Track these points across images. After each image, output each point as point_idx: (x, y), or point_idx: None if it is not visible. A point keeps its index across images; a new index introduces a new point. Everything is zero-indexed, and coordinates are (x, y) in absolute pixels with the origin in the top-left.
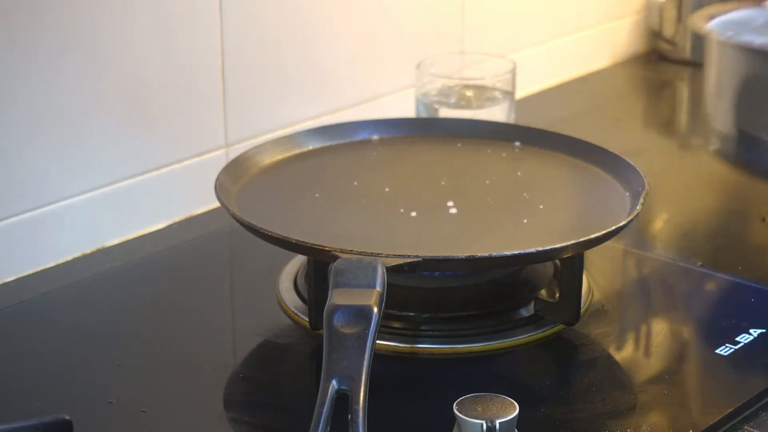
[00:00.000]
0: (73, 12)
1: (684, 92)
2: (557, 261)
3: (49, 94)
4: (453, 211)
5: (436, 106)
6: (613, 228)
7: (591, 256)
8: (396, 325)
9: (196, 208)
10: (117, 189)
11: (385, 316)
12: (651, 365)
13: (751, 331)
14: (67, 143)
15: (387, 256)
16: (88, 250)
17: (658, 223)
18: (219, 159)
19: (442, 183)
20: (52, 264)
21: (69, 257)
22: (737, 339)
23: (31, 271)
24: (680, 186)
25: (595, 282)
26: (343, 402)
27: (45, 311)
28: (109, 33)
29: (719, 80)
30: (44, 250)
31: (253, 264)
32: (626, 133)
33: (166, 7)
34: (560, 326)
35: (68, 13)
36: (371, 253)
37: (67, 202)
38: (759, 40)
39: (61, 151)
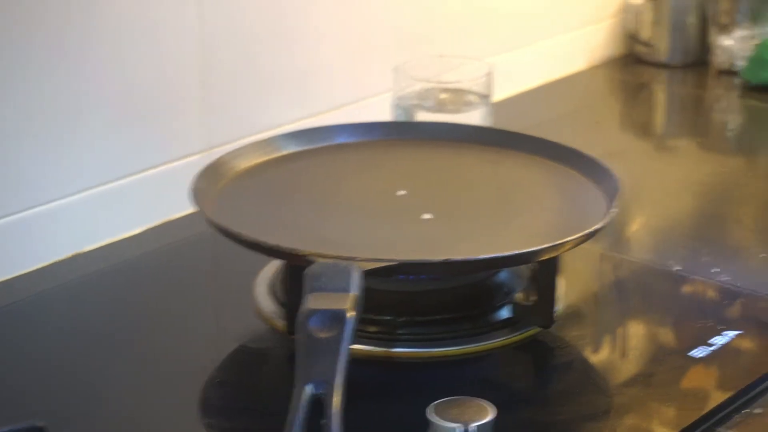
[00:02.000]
0: (49, 16)
1: (661, 95)
2: (533, 264)
3: (26, 102)
4: (430, 215)
5: (414, 110)
6: (588, 231)
7: (567, 258)
8: (372, 328)
9: (173, 213)
10: (94, 194)
11: (361, 320)
12: (626, 368)
13: (726, 333)
14: (43, 149)
15: (363, 260)
16: (64, 256)
17: (635, 226)
18: (197, 163)
19: (420, 186)
20: (27, 270)
21: (45, 263)
22: (712, 341)
23: (6, 277)
24: (657, 188)
25: (572, 285)
26: (319, 406)
27: (21, 317)
28: (86, 38)
29: None
30: (19, 256)
31: (229, 269)
32: (604, 136)
33: (145, 10)
34: (536, 329)
35: (43, 18)
36: (347, 257)
37: (43, 207)
38: None
39: (38, 156)
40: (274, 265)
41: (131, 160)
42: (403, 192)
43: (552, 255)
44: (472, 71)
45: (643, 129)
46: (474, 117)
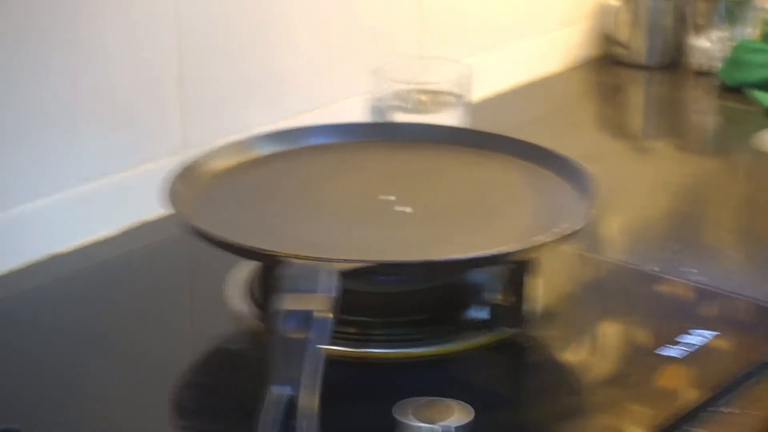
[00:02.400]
0: (30, 21)
1: (639, 96)
2: (510, 265)
3: (2, 104)
4: (408, 216)
5: (392, 111)
6: (566, 233)
7: (544, 259)
8: (348, 329)
9: (150, 214)
10: (70, 195)
11: (337, 321)
12: (602, 368)
13: (703, 333)
14: (20, 151)
15: (339, 261)
16: (41, 256)
17: (612, 227)
18: (174, 164)
19: (398, 188)
20: (3, 271)
21: (21, 264)
22: (687, 341)
23: None
24: (634, 189)
25: (548, 286)
26: (293, 407)
27: None
28: (64, 38)
29: None
30: None
31: (206, 270)
32: (581, 137)
33: (123, 12)
34: (513, 330)
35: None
36: (324, 258)
37: (19, 208)
38: None
39: (13, 157)
40: (250, 266)
41: (108, 161)
42: (380, 193)
43: (529, 256)
44: (450, 73)
45: (620, 130)
46: (452, 118)
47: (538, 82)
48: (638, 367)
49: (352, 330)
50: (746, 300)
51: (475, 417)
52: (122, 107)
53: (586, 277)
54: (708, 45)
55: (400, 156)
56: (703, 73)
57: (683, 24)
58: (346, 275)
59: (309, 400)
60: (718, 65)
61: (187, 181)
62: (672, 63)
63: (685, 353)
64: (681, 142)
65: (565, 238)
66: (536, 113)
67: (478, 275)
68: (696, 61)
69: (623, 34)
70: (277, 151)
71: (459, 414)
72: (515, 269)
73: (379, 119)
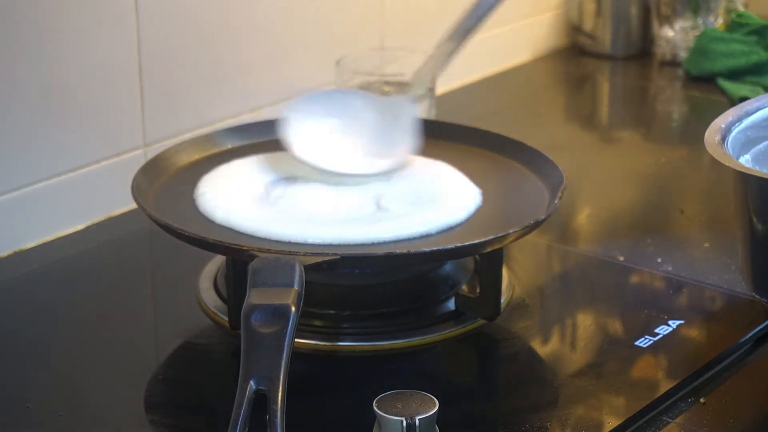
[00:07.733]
0: None
1: (605, 86)
2: (477, 256)
3: None
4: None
5: None
6: (531, 223)
7: (513, 250)
8: (317, 323)
9: (115, 209)
10: (34, 190)
11: (305, 315)
12: (572, 359)
13: (670, 322)
14: None
15: (305, 254)
16: (4, 253)
17: (580, 218)
18: (137, 159)
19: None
20: None
21: None
22: (656, 331)
23: None
24: (601, 180)
25: (517, 277)
26: (262, 402)
27: None
28: (24, 31)
29: None
30: None
31: (173, 264)
32: (548, 128)
33: (84, 5)
34: (481, 321)
35: None
36: (289, 252)
37: None
38: None
39: None
40: (217, 261)
41: (72, 155)
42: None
43: (495, 247)
44: (414, 64)
45: (586, 120)
46: (418, 110)
47: (505, 73)
48: (609, 356)
49: (321, 323)
50: (712, 288)
51: (444, 409)
52: (84, 102)
53: (554, 268)
54: (673, 35)
55: None
56: (668, 63)
57: (648, 14)
58: (311, 268)
59: (278, 394)
60: (683, 55)
61: (152, 175)
62: (638, 53)
63: (655, 342)
64: (647, 131)
65: (531, 228)
66: (502, 104)
67: (446, 267)
68: (661, 50)
69: (589, 24)
70: (240, 145)
71: (424, 405)
72: (484, 261)
73: None
